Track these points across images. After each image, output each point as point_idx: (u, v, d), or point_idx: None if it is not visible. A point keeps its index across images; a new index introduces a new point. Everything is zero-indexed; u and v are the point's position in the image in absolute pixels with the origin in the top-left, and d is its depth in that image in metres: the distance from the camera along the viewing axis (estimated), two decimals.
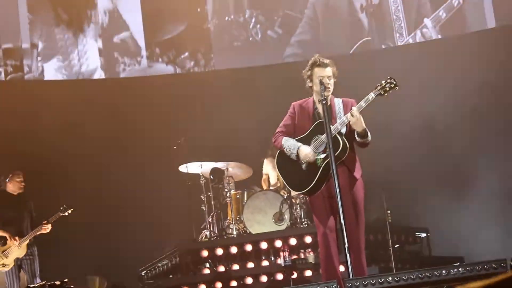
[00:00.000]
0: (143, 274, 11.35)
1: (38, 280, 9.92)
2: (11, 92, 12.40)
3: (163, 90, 12.61)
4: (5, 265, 9.93)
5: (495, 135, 11.59)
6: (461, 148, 11.64)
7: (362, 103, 6.76)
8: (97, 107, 12.34)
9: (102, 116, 12.24)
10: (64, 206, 10.13)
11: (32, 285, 5.19)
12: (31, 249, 10.16)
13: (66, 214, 10.12)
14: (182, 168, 10.92)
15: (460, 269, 6.01)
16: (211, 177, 10.80)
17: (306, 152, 6.85)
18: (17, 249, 9.96)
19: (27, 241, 10.05)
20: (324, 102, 6.72)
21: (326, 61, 7.02)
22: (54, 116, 12.04)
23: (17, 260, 10.00)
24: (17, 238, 9.97)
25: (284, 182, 7.24)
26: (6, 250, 9.93)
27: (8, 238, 9.96)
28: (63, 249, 11.33)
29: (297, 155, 6.90)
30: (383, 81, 6.84)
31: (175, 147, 11.26)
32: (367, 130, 6.76)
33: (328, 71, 6.93)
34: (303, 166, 6.89)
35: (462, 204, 11.58)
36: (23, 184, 10.30)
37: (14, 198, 10.27)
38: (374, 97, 6.77)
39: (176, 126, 12.15)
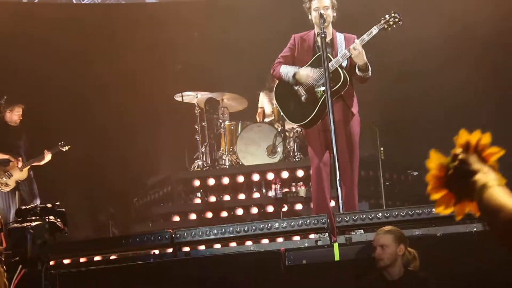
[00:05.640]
0: (134, 201, 11.42)
1: (38, 200, 10.08)
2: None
3: (159, 16, 12.47)
4: (7, 185, 10.09)
5: (496, 76, 11.49)
6: (459, 84, 11.56)
7: (365, 37, 6.72)
8: (88, 34, 12.20)
9: (95, 45, 12.11)
10: (62, 142, 10.34)
11: (23, 207, 5.21)
12: (29, 173, 10.33)
13: (64, 149, 10.33)
14: (177, 97, 10.88)
15: None
16: (206, 107, 10.78)
17: (305, 72, 6.82)
18: (19, 171, 10.11)
19: (28, 167, 10.21)
20: (323, 35, 6.68)
21: None
22: (50, 46, 11.93)
23: (17, 183, 10.13)
24: (20, 159, 10.11)
25: (282, 113, 7.24)
26: (9, 171, 10.08)
27: (12, 159, 10.08)
28: (58, 175, 11.36)
29: (295, 78, 6.86)
30: (387, 15, 6.79)
31: (173, 74, 11.21)
32: (368, 65, 6.73)
33: (326, 2, 6.86)
34: (302, 98, 6.87)
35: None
36: (21, 118, 10.42)
37: (10, 127, 10.39)
38: (377, 31, 6.73)
39: (173, 53, 12.05)
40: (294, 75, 6.86)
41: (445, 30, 11.08)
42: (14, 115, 10.40)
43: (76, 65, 11.98)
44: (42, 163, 10.31)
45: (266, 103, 11.06)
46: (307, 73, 6.82)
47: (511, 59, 11.34)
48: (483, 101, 11.46)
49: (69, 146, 10.40)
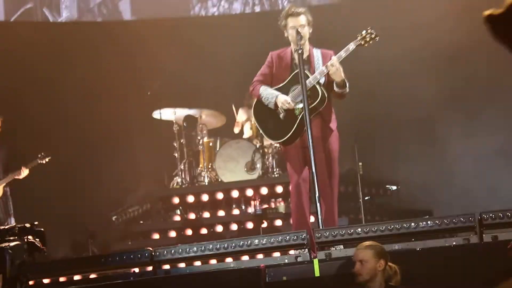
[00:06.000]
0: (113, 219, 11.36)
1: (12, 219, 9.92)
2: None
3: (137, 34, 12.47)
4: None
5: (469, 84, 11.56)
6: (433, 97, 11.61)
7: (342, 53, 6.77)
8: (66, 52, 12.18)
9: (73, 63, 12.09)
10: (42, 154, 10.15)
11: (1, 227, 5.18)
12: (4, 189, 10.14)
13: (44, 162, 10.13)
14: (156, 115, 10.87)
15: (429, 222, 6.08)
16: (184, 124, 10.77)
17: (285, 99, 6.86)
18: None
19: (4, 184, 10.03)
20: (300, 51, 6.72)
21: (299, 9, 6.98)
22: (27, 63, 11.89)
23: None
24: None
25: (261, 131, 7.27)
26: None
27: None
28: (36, 193, 11.27)
29: (275, 104, 6.91)
30: (364, 32, 6.85)
31: (149, 93, 11.21)
32: (346, 81, 6.77)
33: (302, 19, 6.91)
34: (281, 116, 6.90)
35: (433, 158, 11.65)
36: (0, 129, 10.25)
37: None
38: (354, 47, 6.78)
39: (150, 72, 12.05)
40: (275, 102, 6.91)
41: (416, 44, 11.15)
42: None
43: (54, 81, 11.94)
44: (20, 177, 10.12)
45: (244, 119, 11.08)
46: (285, 99, 6.86)
47: (479, 70, 11.44)
48: (454, 113, 11.57)
49: (49, 158, 10.19)
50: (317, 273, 5.96)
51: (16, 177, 10.06)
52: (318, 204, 6.47)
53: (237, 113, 11.19)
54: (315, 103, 6.75)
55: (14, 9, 12.86)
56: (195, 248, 6.24)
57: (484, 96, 11.56)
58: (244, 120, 11.06)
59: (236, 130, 11.12)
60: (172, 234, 9.91)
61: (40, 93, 11.88)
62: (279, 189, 9.98)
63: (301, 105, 6.74)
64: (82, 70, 12.08)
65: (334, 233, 6.13)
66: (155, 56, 12.18)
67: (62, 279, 7.22)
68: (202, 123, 10.77)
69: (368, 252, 5.44)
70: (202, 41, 12.27)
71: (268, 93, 6.96)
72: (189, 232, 9.88)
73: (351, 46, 6.80)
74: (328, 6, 12.89)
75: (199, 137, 10.68)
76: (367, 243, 5.56)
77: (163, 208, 10.44)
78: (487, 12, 1.89)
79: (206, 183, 10.43)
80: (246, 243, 6.20)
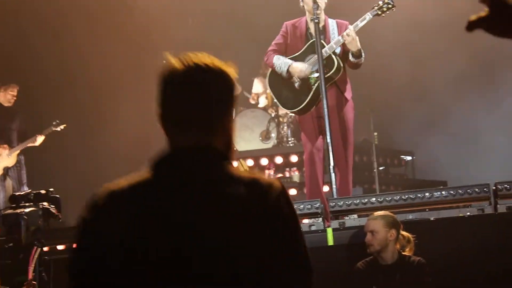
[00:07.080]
0: None
1: (25, 187, 9.92)
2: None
3: (152, 4, 12.43)
4: None
5: (487, 60, 11.46)
6: (450, 70, 11.53)
7: (358, 23, 6.73)
8: (83, 22, 12.15)
9: (91, 32, 12.07)
10: (57, 121, 10.10)
11: (17, 193, 5.22)
12: (19, 157, 10.13)
13: (59, 129, 10.10)
14: None
15: (443, 192, 6.06)
16: None
17: (300, 67, 6.83)
18: (7, 158, 9.93)
19: (18, 151, 10.02)
20: (316, 21, 6.68)
21: None
22: (43, 30, 11.88)
23: (5, 169, 9.97)
24: (6, 146, 9.93)
25: (276, 101, 7.25)
26: None
27: None
28: (49, 160, 11.31)
29: (288, 72, 6.88)
30: (380, 1, 6.80)
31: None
32: (362, 51, 6.74)
33: None
34: (296, 85, 6.89)
35: (448, 129, 11.59)
36: (15, 98, 10.23)
37: (2, 109, 10.19)
38: (371, 17, 6.74)
39: (165, 41, 12.02)
40: (287, 70, 6.88)
41: (440, 14, 11.04)
42: (8, 94, 10.16)
43: (76, 50, 11.93)
44: (36, 144, 10.08)
45: (260, 89, 11.06)
46: (300, 68, 6.83)
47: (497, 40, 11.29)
48: (475, 86, 11.48)
49: (64, 125, 10.15)
50: (330, 242, 5.97)
51: (31, 144, 10.03)
52: (332, 174, 6.47)
53: (253, 85, 11.16)
54: (330, 73, 6.73)
55: None
56: None
57: (501, 66, 11.46)
58: (261, 92, 11.02)
59: (252, 102, 11.08)
60: None
61: (59, 62, 11.87)
62: (294, 158, 9.98)
63: (316, 74, 6.72)
64: (99, 39, 12.05)
65: (348, 202, 6.13)
66: (170, 25, 12.14)
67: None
68: None
69: (378, 222, 5.44)
70: (216, 11, 12.21)
71: (281, 62, 6.94)
72: None
73: (368, 16, 6.75)
74: None
75: None
76: (378, 213, 5.56)
77: None
78: (472, 19, 1.74)
79: None
80: None
